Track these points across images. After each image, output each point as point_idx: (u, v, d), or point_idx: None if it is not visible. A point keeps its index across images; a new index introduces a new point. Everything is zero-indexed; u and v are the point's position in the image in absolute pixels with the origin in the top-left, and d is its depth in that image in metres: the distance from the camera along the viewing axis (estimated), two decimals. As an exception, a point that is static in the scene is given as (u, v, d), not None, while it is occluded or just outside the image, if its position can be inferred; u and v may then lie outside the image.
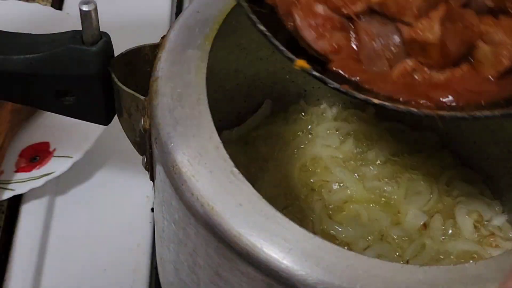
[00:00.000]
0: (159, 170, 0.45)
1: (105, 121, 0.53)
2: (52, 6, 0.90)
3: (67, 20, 0.83)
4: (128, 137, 0.52)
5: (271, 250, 0.38)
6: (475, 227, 0.62)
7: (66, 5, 0.93)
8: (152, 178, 0.50)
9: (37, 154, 0.74)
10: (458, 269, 0.39)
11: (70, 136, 0.73)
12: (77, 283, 0.67)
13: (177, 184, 0.42)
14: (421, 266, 0.38)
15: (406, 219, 0.62)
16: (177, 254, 0.48)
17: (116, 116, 0.53)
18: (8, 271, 0.67)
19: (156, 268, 0.66)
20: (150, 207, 0.72)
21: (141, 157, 0.52)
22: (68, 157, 0.71)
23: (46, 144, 0.74)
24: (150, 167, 0.49)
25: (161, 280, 0.60)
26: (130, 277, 0.67)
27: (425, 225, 0.62)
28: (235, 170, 0.41)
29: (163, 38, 0.49)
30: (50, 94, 0.50)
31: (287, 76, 0.68)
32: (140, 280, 0.67)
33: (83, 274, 0.67)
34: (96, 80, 0.49)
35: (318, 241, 0.39)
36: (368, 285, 0.37)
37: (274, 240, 0.39)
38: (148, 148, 0.47)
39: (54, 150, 0.73)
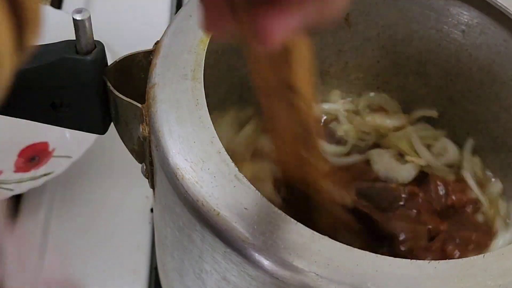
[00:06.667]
0: (160, 177, 0.45)
1: (102, 130, 0.52)
2: (51, 5, 0.89)
3: (67, 19, 0.82)
4: (125, 146, 0.51)
5: (280, 252, 0.38)
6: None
7: (65, 4, 0.93)
8: (153, 186, 0.49)
9: (36, 154, 0.73)
10: (467, 262, 0.39)
11: (70, 136, 0.73)
12: (76, 283, 0.67)
13: (180, 191, 0.41)
14: (430, 262, 0.39)
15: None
16: (181, 261, 0.48)
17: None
18: (7, 271, 0.67)
19: (155, 268, 0.65)
20: (150, 208, 0.72)
21: (140, 157, 0.51)
22: (68, 157, 0.71)
23: (45, 144, 0.74)
24: (150, 175, 0.48)
25: (163, 286, 0.59)
26: (129, 277, 0.67)
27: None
28: (239, 174, 0.41)
29: (156, 44, 0.49)
30: (45, 105, 0.49)
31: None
32: (140, 280, 0.67)
33: (82, 275, 0.67)
34: (91, 89, 0.48)
35: (327, 241, 0.39)
36: (379, 282, 0.37)
37: (283, 242, 0.38)
38: (148, 156, 0.47)
39: (54, 150, 0.73)
